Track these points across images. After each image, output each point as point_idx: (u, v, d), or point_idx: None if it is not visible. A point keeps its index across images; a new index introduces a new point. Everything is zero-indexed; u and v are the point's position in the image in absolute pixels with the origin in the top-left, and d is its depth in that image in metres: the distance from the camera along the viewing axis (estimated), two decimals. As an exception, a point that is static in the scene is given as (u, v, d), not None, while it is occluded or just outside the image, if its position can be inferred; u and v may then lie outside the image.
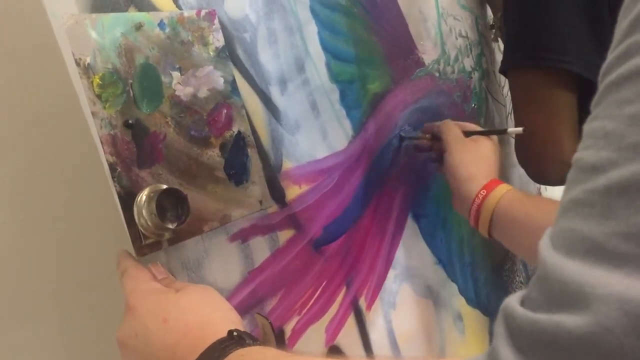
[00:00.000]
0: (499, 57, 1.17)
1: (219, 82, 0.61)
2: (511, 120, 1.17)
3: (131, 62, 0.53)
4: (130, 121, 0.52)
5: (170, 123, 0.55)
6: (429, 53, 0.95)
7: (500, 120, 1.13)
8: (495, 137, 0.81)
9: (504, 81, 1.17)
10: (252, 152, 0.62)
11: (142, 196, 0.50)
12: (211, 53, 0.60)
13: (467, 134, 0.80)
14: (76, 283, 0.57)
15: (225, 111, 0.61)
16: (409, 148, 0.85)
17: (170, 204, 0.51)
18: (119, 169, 0.51)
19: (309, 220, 0.67)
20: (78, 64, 0.50)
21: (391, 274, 0.76)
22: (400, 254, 0.78)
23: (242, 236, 0.59)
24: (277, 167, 0.65)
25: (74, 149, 0.56)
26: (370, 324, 0.71)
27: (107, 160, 0.50)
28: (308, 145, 0.69)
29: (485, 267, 0.95)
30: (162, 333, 0.45)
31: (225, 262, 0.57)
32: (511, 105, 1.19)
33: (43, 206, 0.56)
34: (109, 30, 0.52)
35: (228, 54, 0.62)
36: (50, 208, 0.56)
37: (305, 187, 0.68)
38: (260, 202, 0.62)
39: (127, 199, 0.51)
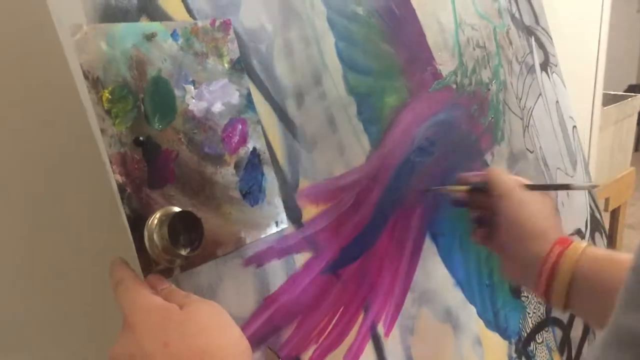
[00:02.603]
0: (516, 68, 1.14)
1: (234, 95, 0.57)
2: (528, 133, 1.13)
3: (142, 75, 0.50)
4: (141, 138, 0.49)
5: (183, 140, 0.52)
6: (446, 64, 0.92)
7: (517, 133, 1.10)
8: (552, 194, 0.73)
9: (521, 93, 1.14)
10: (267, 170, 0.59)
11: (154, 220, 0.47)
12: (226, 65, 0.57)
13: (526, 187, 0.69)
14: (83, 305, 0.53)
15: (240, 127, 0.57)
16: (426, 165, 0.82)
17: (184, 227, 0.48)
18: (129, 190, 0.47)
19: (326, 241, 0.64)
20: (87, 77, 0.46)
21: (409, 297, 0.72)
22: (418, 276, 0.75)
23: (258, 260, 0.56)
24: (294, 185, 0.62)
25: (80, 169, 0.52)
26: (389, 352, 0.67)
27: (116, 181, 0.47)
28: (325, 162, 0.66)
29: (504, 288, 0.91)
30: (162, 358, 0.41)
31: (240, 289, 0.54)
32: (529, 118, 1.16)
33: (49, 228, 0.52)
34: (119, 41, 0.49)
35: (243, 65, 0.59)
36: (57, 231, 0.52)
37: (322, 207, 0.64)
38: (277, 223, 0.59)
39: (137, 222, 0.47)
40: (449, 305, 0.79)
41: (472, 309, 0.83)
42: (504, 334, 0.88)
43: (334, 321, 0.62)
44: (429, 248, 0.79)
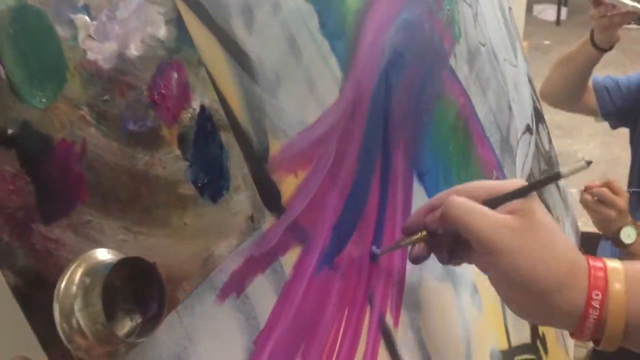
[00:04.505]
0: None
1: (158, 23, 0.34)
2: (478, 23, 0.96)
3: (-10, 6, 0.26)
4: (10, 131, 0.26)
5: (88, 117, 0.29)
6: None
7: (470, 25, 0.92)
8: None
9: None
10: (226, 138, 0.38)
11: (69, 287, 0.25)
12: (136, -28, 0.33)
13: (490, 202, 0.44)
14: None
15: (175, 75, 0.35)
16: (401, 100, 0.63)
17: (125, 281, 0.27)
18: (5, 238, 0.25)
19: (315, 223, 0.45)
20: None
21: (409, 264, 0.56)
22: (413, 232, 0.58)
23: (236, 285, 0.36)
24: (263, 152, 0.41)
25: None
26: (401, 343, 0.52)
27: (-23, 227, 0.24)
28: (295, 106, 0.45)
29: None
30: None
31: (221, 340, 0.34)
32: (477, 4, 0.98)
33: None
34: None
35: (163, -30, 0.35)
36: None
37: (302, 174, 0.44)
38: (252, 218, 0.38)
39: (34, 295, 0.25)
40: (446, 258, 0.64)
41: (465, 253, 0.69)
42: (492, 270, 0.76)
43: (341, 332, 0.44)
44: (418, 192, 0.62)
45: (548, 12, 5.47)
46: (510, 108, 1.04)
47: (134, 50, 0.32)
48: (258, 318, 0.37)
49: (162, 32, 0.34)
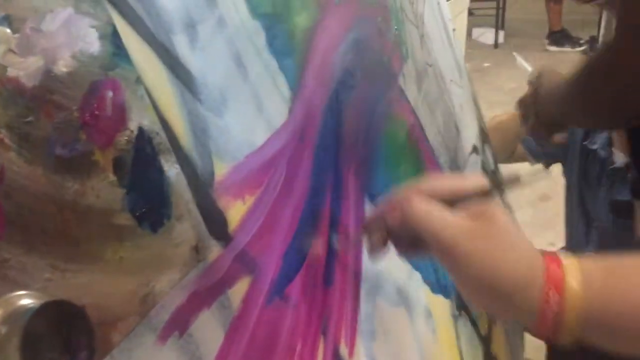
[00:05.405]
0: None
1: (90, 37, 0.31)
2: (424, 44, 0.96)
3: None
4: None
5: (8, 140, 0.26)
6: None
7: (417, 46, 0.92)
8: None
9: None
10: (168, 162, 0.35)
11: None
12: (66, -19, 0.30)
13: (451, 201, 0.44)
14: None
15: (110, 94, 0.32)
16: (352, 102, 0.61)
17: (48, 325, 0.24)
18: None
19: (265, 251, 0.42)
20: None
21: (363, 291, 0.54)
22: (366, 258, 0.56)
23: (179, 323, 0.33)
24: (208, 177, 0.38)
25: None
26: (356, 376, 0.49)
27: None
28: (242, 127, 0.43)
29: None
30: None
31: (162, 387, 0.31)
32: (422, 25, 0.98)
33: None
34: None
35: (96, -20, 0.32)
36: None
37: (250, 199, 0.42)
38: (197, 248, 0.35)
39: (-61, 349, 0.22)
40: (399, 283, 0.62)
41: (418, 276, 0.68)
42: (444, 292, 0.75)
43: (293, 368, 0.42)
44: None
45: (487, 36, 5.63)
46: (457, 128, 1.04)
47: (62, 67, 0.29)
48: (203, 359, 0.34)
49: (96, 47, 0.31)
